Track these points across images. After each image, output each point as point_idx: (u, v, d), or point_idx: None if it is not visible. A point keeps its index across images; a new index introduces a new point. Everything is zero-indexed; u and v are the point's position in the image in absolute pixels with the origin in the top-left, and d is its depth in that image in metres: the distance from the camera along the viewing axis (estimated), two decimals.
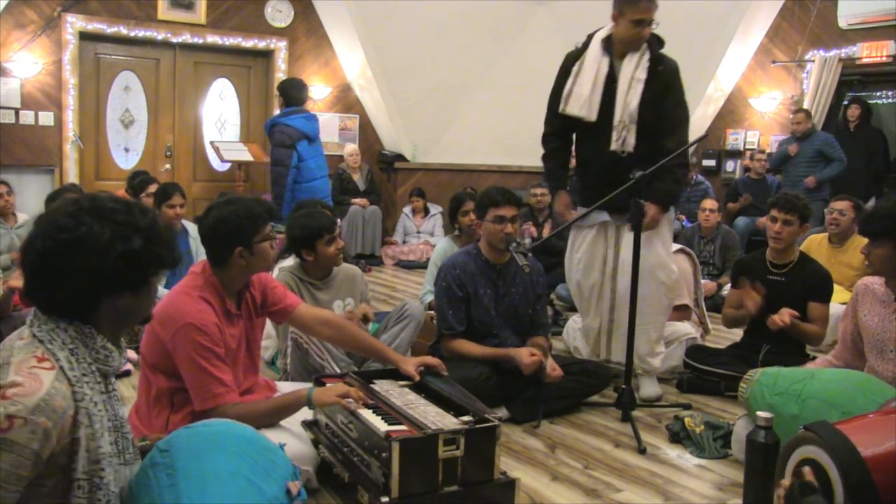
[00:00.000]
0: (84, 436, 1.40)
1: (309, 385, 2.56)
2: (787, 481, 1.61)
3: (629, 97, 3.37)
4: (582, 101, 3.40)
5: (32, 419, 1.31)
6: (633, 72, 3.38)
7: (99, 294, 1.47)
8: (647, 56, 3.40)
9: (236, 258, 2.37)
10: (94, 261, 1.43)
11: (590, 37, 3.54)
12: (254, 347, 2.57)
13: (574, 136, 3.65)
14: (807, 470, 1.57)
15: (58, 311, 1.47)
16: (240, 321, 2.47)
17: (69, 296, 1.45)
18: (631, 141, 3.39)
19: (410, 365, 2.59)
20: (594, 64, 3.42)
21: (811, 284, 3.51)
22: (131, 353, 3.82)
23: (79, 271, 1.43)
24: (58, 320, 1.47)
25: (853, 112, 7.05)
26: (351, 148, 7.99)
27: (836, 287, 3.80)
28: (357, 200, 7.65)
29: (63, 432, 1.37)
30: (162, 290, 4.37)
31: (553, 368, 3.13)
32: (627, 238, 3.45)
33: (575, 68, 3.46)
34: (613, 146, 3.40)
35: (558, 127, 3.60)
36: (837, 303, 3.74)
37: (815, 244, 4.75)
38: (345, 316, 3.27)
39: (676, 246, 4.29)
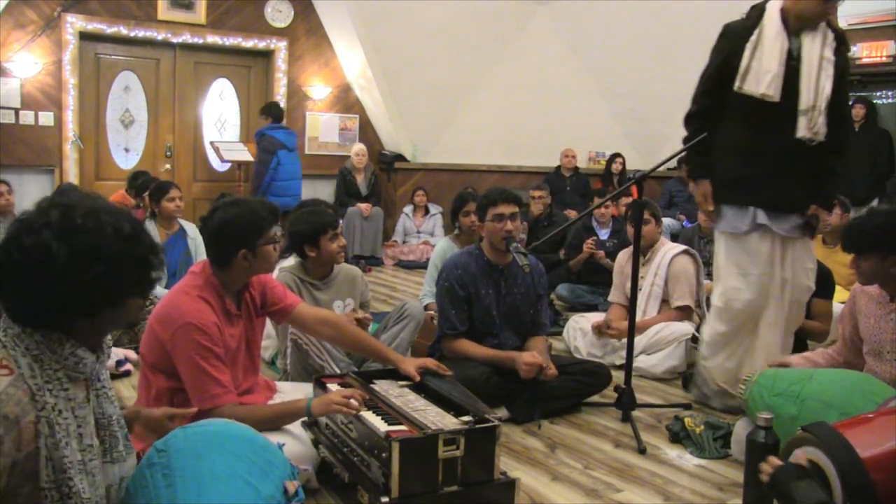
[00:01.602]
0: (44, 445, 1.35)
1: (309, 386, 2.56)
2: (769, 467, 1.60)
3: (822, 79, 3.02)
4: (769, 79, 2.99)
5: None
6: (821, 51, 3.03)
7: (61, 313, 1.39)
8: (831, 34, 3.08)
9: (239, 260, 2.37)
10: (46, 285, 1.34)
11: (755, 8, 3.15)
12: (254, 348, 2.57)
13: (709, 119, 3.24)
14: (799, 454, 1.57)
15: (19, 319, 1.40)
16: (240, 321, 2.47)
17: (30, 311, 1.39)
18: (823, 129, 3.03)
19: (410, 365, 2.59)
20: (776, 38, 3.03)
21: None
22: (131, 354, 3.82)
23: (33, 294, 1.35)
24: (24, 326, 1.40)
25: (857, 112, 7.03)
26: (358, 147, 7.95)
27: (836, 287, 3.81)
28: (361, 206, 7.63)
29: (23, 439, 1.32)
30: (161, 291, 4.38)
31: (549, 367, 3.13)
32: (793, 251, 3.16)
33: (751, 41, 3.04)
34: (803, 133, 3.01)
35: (705, 107, 3.23)
36: (837, 302, 3.75)
37: None
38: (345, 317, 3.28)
39: (680, 247, 4.31)
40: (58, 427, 1.38)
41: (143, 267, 1.45)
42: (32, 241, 1.34)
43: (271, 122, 6.81)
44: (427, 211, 8.27)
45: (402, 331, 3.39)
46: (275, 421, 2.38)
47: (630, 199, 4.92)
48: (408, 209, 8.28)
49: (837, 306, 3.70)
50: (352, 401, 2.21)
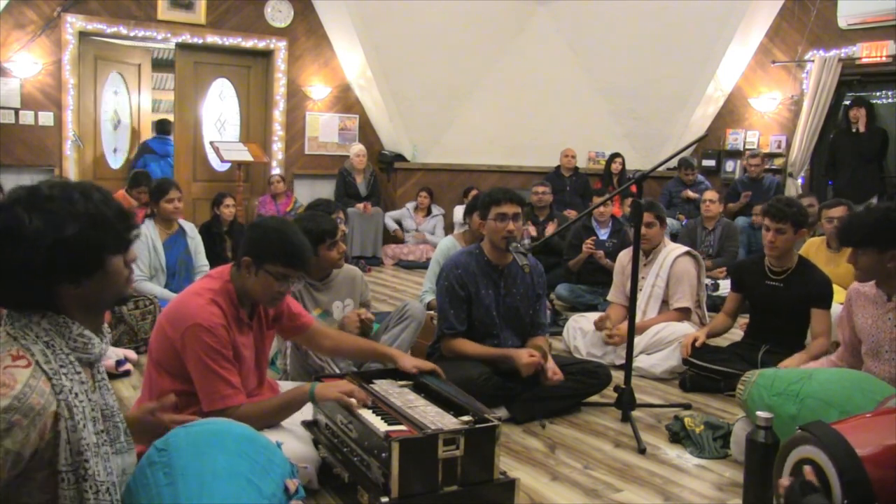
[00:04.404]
0: (64, 428, 1.39)
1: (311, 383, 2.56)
2: (786, 480, 1.61)
3: None
4: None
5: (5, 418, 1.30)
6: None
7: (47, 284, 1.42)
8: None
9: (244, 264, 2.37)
10: (24, 253, 1.37)
11: None
12: (262, 360, 2.56)
13: None
14: (807, 469, 1.57)
15: (13, 304, 1.44)
16: (250, 332, 2.47)
17: (15, 289, 1.42)
18: None
19: (410, 361, 2.61)
20: None
21: (811, 292, 3.49)
22: (131, 354, 3.82)
23: (13, 265, 1.38)
24: (30, 315, 1.44)
25: (856, 113, 7.04)
26: (357, 148, 7.94)
27: (837, 289, 3.79)
28: (360, 206, 7.63)
29: (45, 429, 1.36)
30: (163, 292, 4.38)
31: (554, 373, 3.12)
32: None
33: None
34: None
35: None
36: (837, 303, 3.74)
37: (813, 248, 4.75)
38: (345, 317, 3.28)
39: (683, 248, 4.29)
40: (76, 409, 1.41)
41: (115, 222, 1.48)
42: (3, 217, 1.39)
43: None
44: (430, 212, 8.26)
45: (403, 332, 3.39)
46: (283, 410, 2.40)
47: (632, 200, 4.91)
48: (410, 205, 8.26)
49: (836, 309, 3.69)
50: (353, 399, 2.23)
